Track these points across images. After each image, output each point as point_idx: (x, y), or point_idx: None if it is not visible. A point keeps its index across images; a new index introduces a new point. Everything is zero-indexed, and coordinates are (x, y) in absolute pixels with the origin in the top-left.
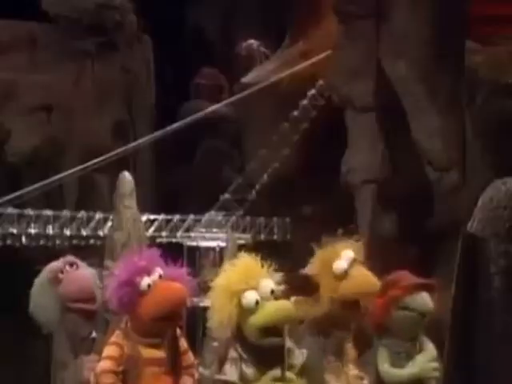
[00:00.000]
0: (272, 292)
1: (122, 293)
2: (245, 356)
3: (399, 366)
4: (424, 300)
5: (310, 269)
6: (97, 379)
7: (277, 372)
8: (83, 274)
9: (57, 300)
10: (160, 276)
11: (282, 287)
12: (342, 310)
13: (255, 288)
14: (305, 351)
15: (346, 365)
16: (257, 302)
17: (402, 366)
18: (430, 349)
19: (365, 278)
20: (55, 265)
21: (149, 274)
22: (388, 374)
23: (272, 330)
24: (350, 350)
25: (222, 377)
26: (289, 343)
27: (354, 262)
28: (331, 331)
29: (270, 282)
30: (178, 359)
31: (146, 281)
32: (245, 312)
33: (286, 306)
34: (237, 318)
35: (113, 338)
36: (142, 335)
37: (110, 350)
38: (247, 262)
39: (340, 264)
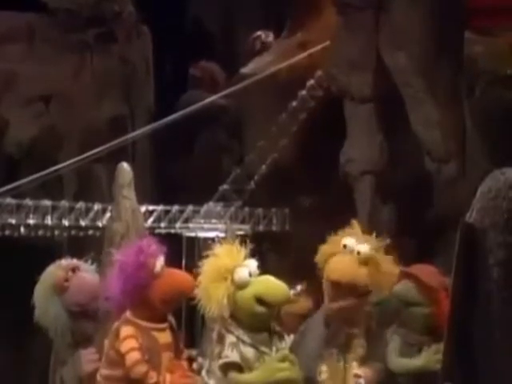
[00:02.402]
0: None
1: (140, 275)
2: (243, 338)
3: (409, 357)
4: (401, 288)
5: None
6: (128, 374)
7: (284, 352)
8: (88, 278)
9: (64, 307)
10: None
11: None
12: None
13: (244, 266)
14: (292, 337)
15: (349, 362)
16: (250, 275)
17: (411, 357)
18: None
19: (345, 262)
20: (58, 273)
21: (158, 257)
22: (393, 363)
23: (266, 303)
24: (359, 347)
25: (224, 360)
26: (277, 328)
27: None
28: (340, 326)
29: (253, 261)
30: (177, 343)
31: (160, 262)
32: (239, 287)
33: (282, 283)
34: (233, 296)
35: (124, 333)
36: (149, 320)
37: (129, 343)
38: (226, 247)
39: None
